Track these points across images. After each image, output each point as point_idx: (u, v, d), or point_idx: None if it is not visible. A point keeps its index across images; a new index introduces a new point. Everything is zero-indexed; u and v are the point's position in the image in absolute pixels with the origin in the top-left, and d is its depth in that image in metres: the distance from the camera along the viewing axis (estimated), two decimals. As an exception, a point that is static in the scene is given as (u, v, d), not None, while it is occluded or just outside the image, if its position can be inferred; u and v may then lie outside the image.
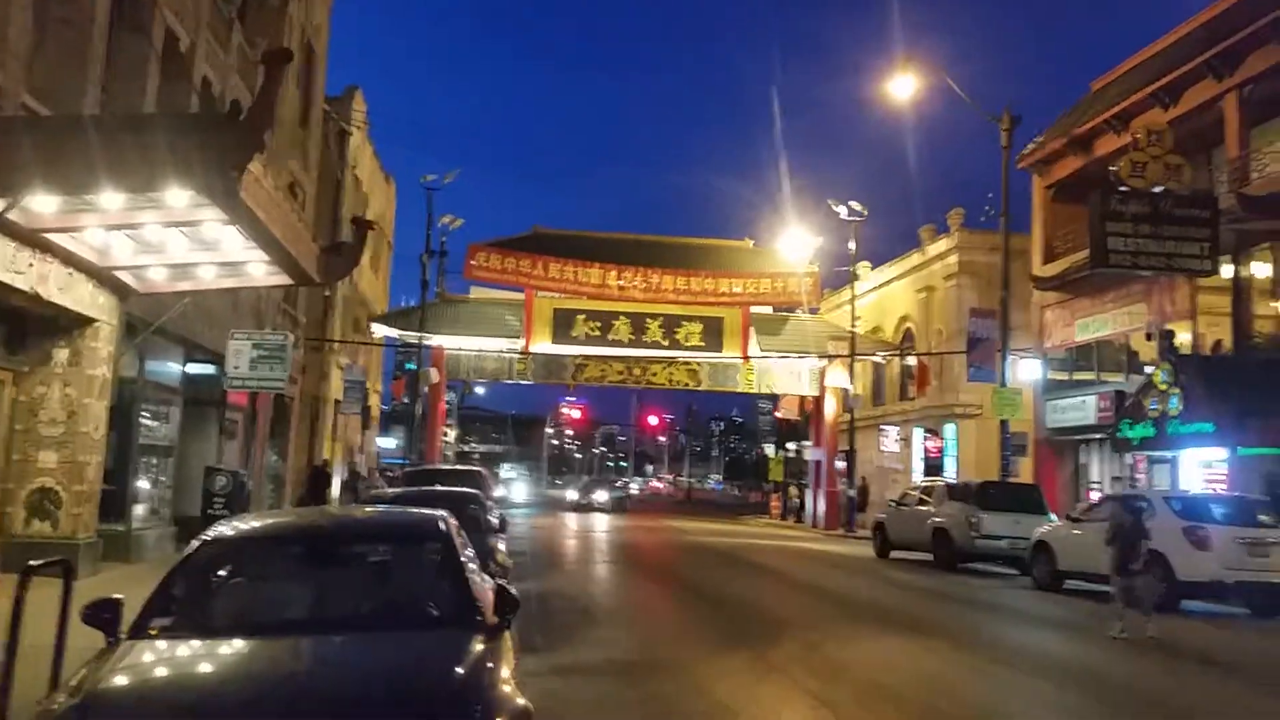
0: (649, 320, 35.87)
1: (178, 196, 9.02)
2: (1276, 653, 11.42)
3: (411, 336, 33.82)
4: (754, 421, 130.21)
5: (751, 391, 39.91)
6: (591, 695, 7.60)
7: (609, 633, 10.59)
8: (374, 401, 40.44)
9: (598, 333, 35.73)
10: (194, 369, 17.50)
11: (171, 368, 16.92)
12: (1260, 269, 21.35)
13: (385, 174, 39.23)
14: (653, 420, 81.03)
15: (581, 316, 35.65)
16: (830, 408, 37.76)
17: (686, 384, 38.29)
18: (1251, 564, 13.61)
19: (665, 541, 26.67)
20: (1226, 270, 21.49)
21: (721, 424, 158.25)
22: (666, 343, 36.13)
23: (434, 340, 34.53)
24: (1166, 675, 9.48)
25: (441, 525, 5.50)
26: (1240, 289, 21.59)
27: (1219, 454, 19.28)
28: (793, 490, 42.35)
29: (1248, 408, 17.81)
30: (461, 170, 58.59)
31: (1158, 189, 20.80)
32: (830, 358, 36.36)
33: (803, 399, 39.97)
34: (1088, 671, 9.57)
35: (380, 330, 35.83)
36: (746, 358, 36.62)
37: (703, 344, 36.17)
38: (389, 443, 49.15)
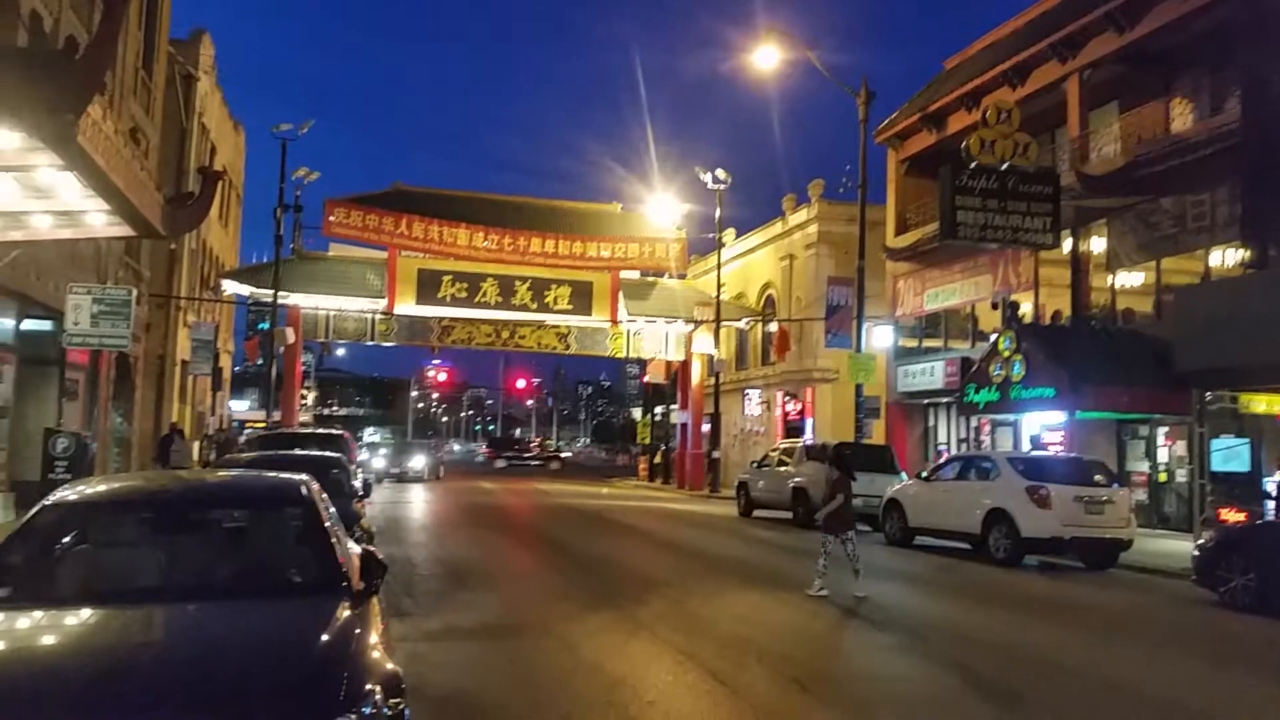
0: (517, 283, 35.52)
1: (6, 139, 8.36)
2: (1109, 601, 12.32)
3: (265, 294, 32.45)
4: (622, 385, 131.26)
5: (620, 356, 40.10)
6: (460, 658, 7.57)
7: (478, 596, 10.56)
8: (225, 362, 38.75)
9: (465, 295, 35.17)
10: (29, 325, 16.36)
11: (3, 324, 15.77)
12: (1097, 244, 22.75)
13: (235, 122, 37.36)
14: (521, 384, 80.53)
15: (448, 278, 34.99)
16: (696, 372, 38.36)
17: (555, 347, 38.19)
18: (1087, 520, 14.60)
19: (533, 505, 26.67)
20: (1067, 244, 22.83)
21: (590, 388, 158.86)
22: (535, 306, 35.88)
23: (290, 299, 33.24)
24: (1014, 626, 10.09)
25: (303, 490, 5.34)
26: (1079, 262, 22.98)
27: (1058, 417, 20.53)
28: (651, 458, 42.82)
29: (1084, 374, 19.00)
30: (316, 122, 56.11)
31: (1005, 165, 21.78)
32: (696, 323, 36.87)
33: (670, 363, 40.47)
34: (935, 622, 10.11)
35: (231, 287, 34.26)
36: (615, 322, 36.75)
37: (571, 307, 36.09)
38: (243, 405, 47.29)
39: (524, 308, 35.83)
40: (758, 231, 39.95)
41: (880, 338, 28.72)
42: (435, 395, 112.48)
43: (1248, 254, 16.73)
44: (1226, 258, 18.94)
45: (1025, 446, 21.35)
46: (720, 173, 35.61)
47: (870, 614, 10.27)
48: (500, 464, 55.15)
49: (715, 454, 35.00)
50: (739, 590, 11.37)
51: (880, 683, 7.21)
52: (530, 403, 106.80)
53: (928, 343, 28.97)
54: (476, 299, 35.26)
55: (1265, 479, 15.49)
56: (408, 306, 34.90)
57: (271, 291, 31.12)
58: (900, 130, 29.90)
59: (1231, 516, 14.99)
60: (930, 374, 27.02)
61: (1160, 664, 8.31)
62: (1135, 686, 7.31)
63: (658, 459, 43.14)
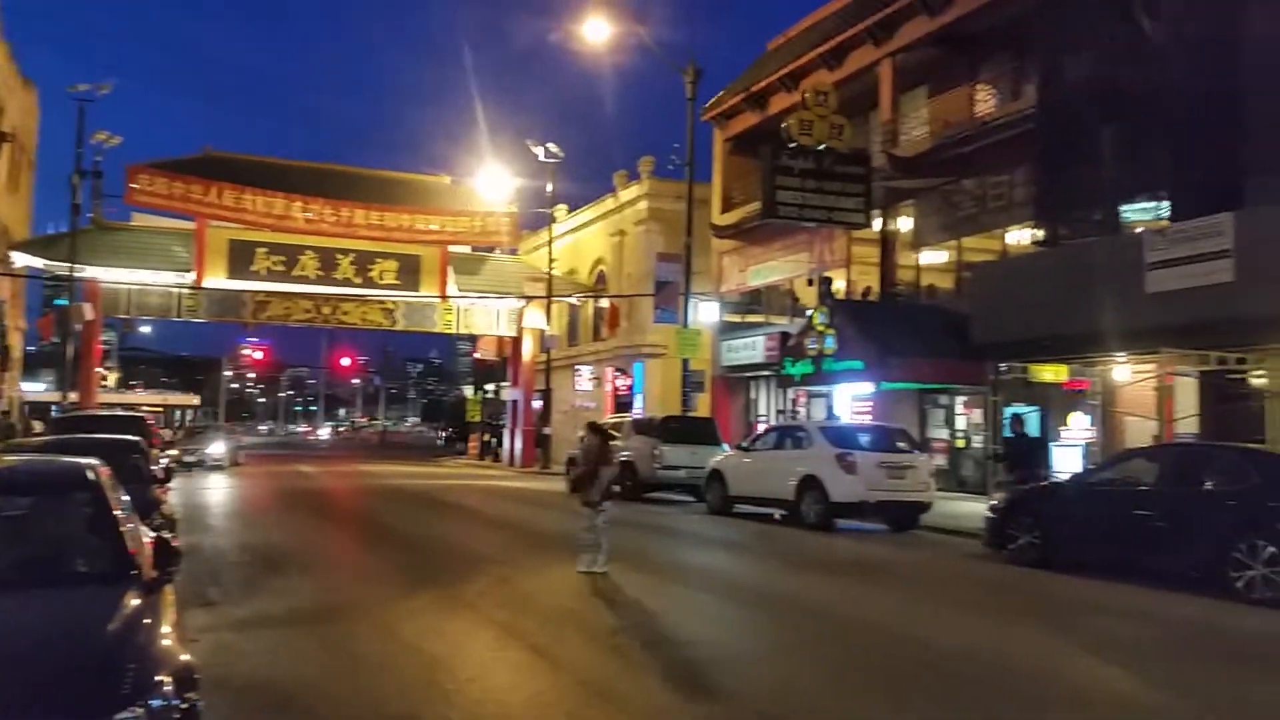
0: (339, 256, 34.30)
1: None
2: (908, 561, 13.12)
3: (61, 268, 30.09)
4: (453, 363, 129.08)
5: (450, 332, 39.45)
6: (270, 646, 7.29)
7: (293, 582, 10.19)
8: (15, 340, 35.68)
9: (281, 268, 33.66)
10: None
11: None
12: (905, 224, 24.01)
13: (24, 79, 34.30)
14: (345, 362, 77.76)
15: (262, 250, 33.38)
16: (528, 348, 38.19)
17: (381, 324, 37.15)
18: (891, 485, 15.47)
19: (357, 487, 25.96)
20: (877, 224, 24.00)
21: (420, 366, 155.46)
22: (359, 280, 34.75)
23: (88, 272, 30.93)
24: (823, 586, 10.60)
25: (89, 475, 5.03)
26: (887, 241, 24.22)
27: (867, 388, 21.62)
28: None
29: (890, 347, 20.07)
30: (123, 84, 52.57)
31: (822, 147, 22.68)
32: (528, 299, 36.68)
33: (501, 340, 40.14)
34: (752, 585, 10.52)
35: (22, 259, 31.53)
36: (444, 297, 36.04)
37: (398, 282, 35.15)
38: (38, 387, 43.77)
39: (347, 282, 34.65)
40: (590, 207, 40.05)
41: (706, 313, 29.41)
42: (252, 375, 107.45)
43: (1040, 233, 18.01)
44: (1022, 237, 20.35)
45: (838, 416, 22.39)
46: (552, 147, 35.42)
47: (691, 581, 10.58)
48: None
49: (546, 430, 35.02)
50: (565, 564, 11.43)
51: (699, 646, 7.44)
52: (356, 381, 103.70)
53: (751, 318, 29.92)
54: (294, 272, 33.82)
55: (1050, 443, 16.81)
56: (218, 280, 33.11)
57: (68, 264, 28.88)
58: (725, 109, 30.57)
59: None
60: (753, 348, 27.91)
61: (950, 617, 8.93)
62: (928, 638, 7.82)
63: (488, 436, 42.80)
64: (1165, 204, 15.65)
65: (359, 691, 6.10)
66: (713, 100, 31.33)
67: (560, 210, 39.36)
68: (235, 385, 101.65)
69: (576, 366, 38.41)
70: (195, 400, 61.48)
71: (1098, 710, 5.98)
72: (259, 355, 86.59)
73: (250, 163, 35.72)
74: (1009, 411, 17.71)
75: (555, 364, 36.59)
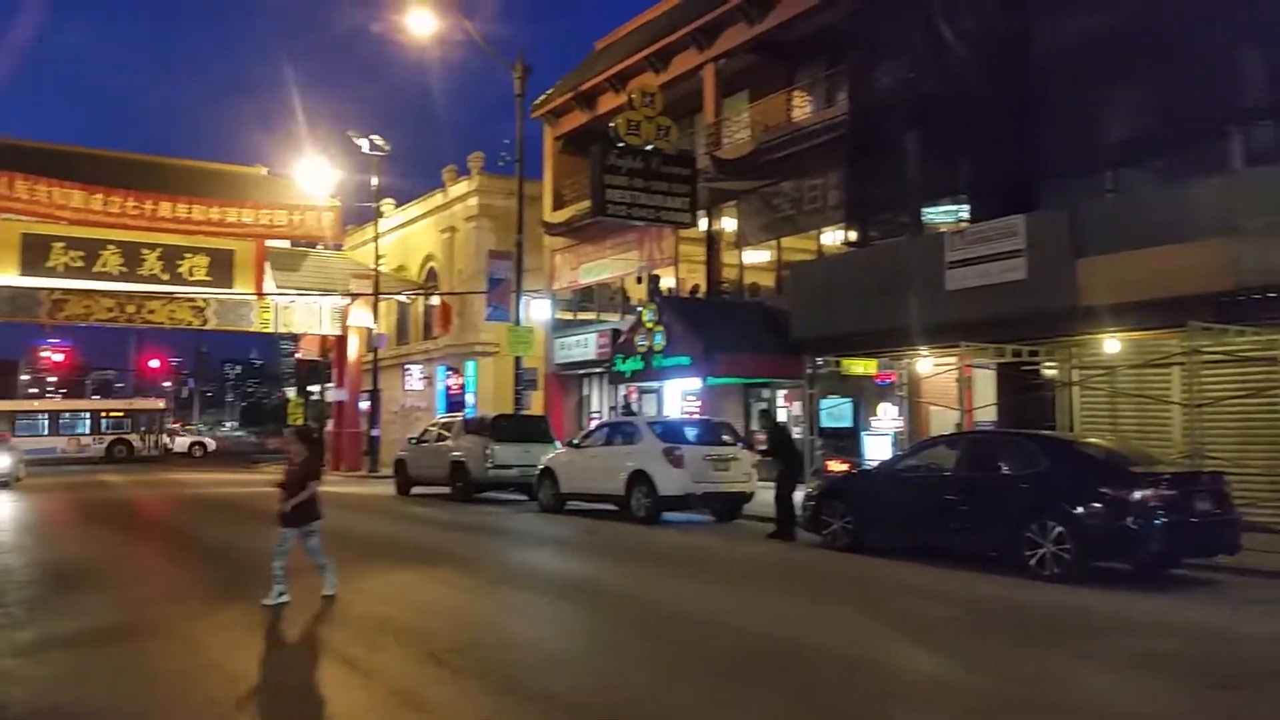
0: (145, 251, 32.15)
1: None
2: (732, 550, 13.46)
3: None
4: (275, 364, 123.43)
5: (268, 331, 37.61)
6: (56, 670, 6.75)
7: (88, 600, 9.48)
8: None
9: (81, 264, 31.28)
10: None
11: None
12: (729, 223, 24.63)
13: None
14: (154, 364, 72.96)
15: (59, 244, 30.92)
16: (354, 347, 36.95)
17: (191, 323, 35.06)
18: (715, 477, 15.84)
19: (164, 497, 24.42)
20: (704, 223, 24.53)
21: (239, 367, 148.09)
22: (167, 277, 32.67)
23: None
24: (650, 579, 10.71)
25: None
26: (712, 240, 24.79)
27: (695, 383, 22.07)
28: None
29: (716, 343, 20.54)
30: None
31: (649, 147, 23.00)
32: (353, 296, 35.50)
33: (325, 339, 38.69)
34: (580, 583, 10.52)
35: None
36: (261, 295, 34.36)
37: (210, 279, 33.25)
38: None
39: (154, 279, 32.52)
40: (418, 202, 39.15)
41: (539, 311, 29.31)
42: (53, 379, 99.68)
43: (851, 234, 18.83)
44: (836, 237, 21.22)
45: (668, 412, 22.78)
46: (377, 139, 34.37)
47: (517, 581, 10.49)
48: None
49: (375, 432, 34.02)
50: (386, 570, 11.15)
51: (521, 647, 7.37)
52: (168, 385, 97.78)
53: (583, 315, 30.02)
54: (95, 268, 31.50)
55: (862, 432, 17.65)
56: (9, 277, 30.47)
57: None
58: (555, 107, 30.53)
59: (836, 467, 16.97)
60: (585, 345, 28.02)
61: (769, 604, 9.21)
62: (747, 626, 8.02)
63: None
64: (965, 206, 16.67)
65: (151, 714, 5.73)
66: (542, 98, 31.23)
67: (388, 205, 38.28)
68: (34, 390, 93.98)
69: (406, 366, 37.51)
70: None
71: (908, 688, 6.27)
72: (59, 358, 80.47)
73: (47, 151, 33.02)
74: (758, 409, 18.47)
75: (384, 363, 35.61)
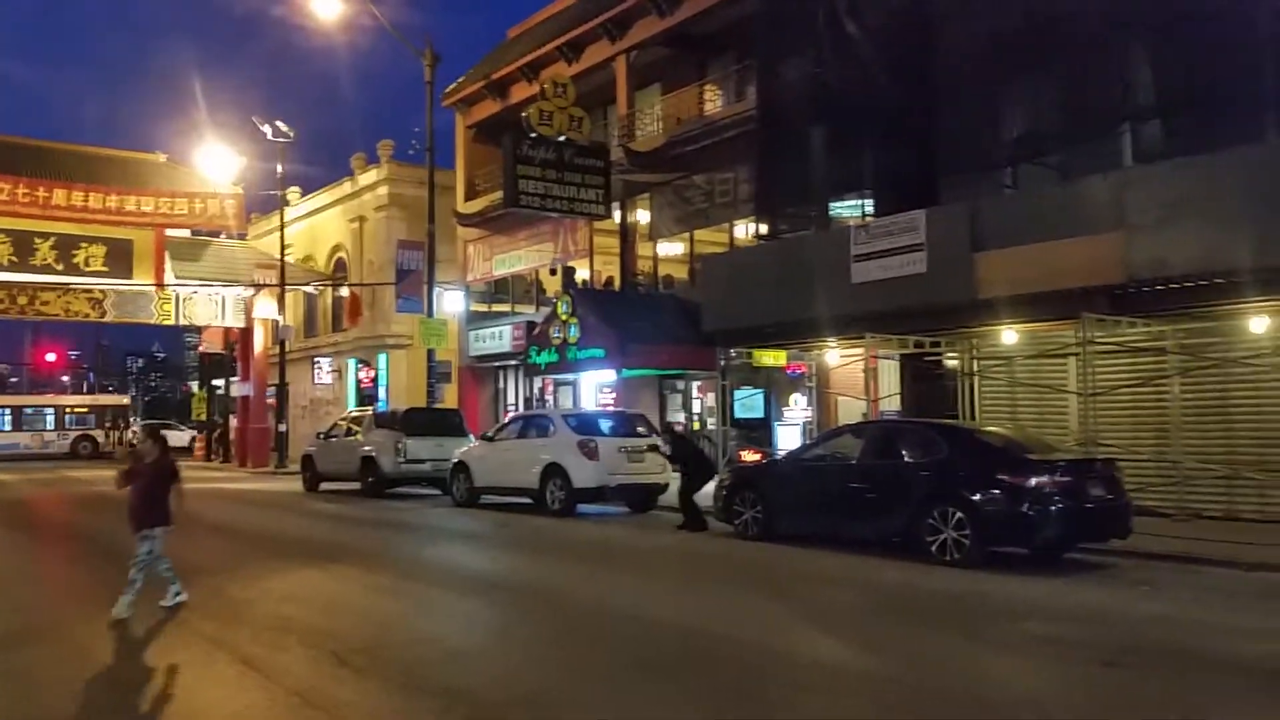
0: (37, 240, 30.74)
1: None
2: (645, 540, 13.51)
3: None
4: (179, 357, 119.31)
5: (169, 323, 36.32)
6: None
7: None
8: None
9: (-35, 254, 29.81)
10: None
11: None
12: (642, 216, 24.67)
13: None
14: (50, 357, 69.89)
15: (-58, 234, 29.42)
16: (259, 340, 35.95)
17: (88, 315, 33.63)
18: (630, 469, 15.90)
19: (60, 495, 23.47)
20: (617, 215, 24.53)
21: (141, 360, 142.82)
22: (61, 267, 31.30)
23: None
24: (564, 572, 10.68)
25: None
26: (626, 232, 24.81)
27: (610, 375, 22.08)
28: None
29: (630, 335, 20.58)
30: None
31: (562, 138, 22.89)
32: (258, 287, 34.52)
33: (229, 331, 37.54)
34: (492, 577, 10.45)
35: None
36: (162, 286, 33.19)
37: (108, 269, 31.97)
38: None
39: (47, 269, 31.13)
40: (326, 191, 38.28)
41: (452, 302, 28.95)
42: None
43: (762, 227, 19.04)
44: (747, 230, 21.45)
45: (583, 404, 22.76)
46: (282, 125, 33.44)
47: (426, 577, 10.36)
48: None
49: (282, 427, 33.18)
50: (291, 569, 10.89)
51: (425, 646, 7.28)
52: (66, 379, 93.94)
53: (497, 307, 29.77)
54: (-18, 259, 30.06)
55: (773, 423, 17.89)
56: (-113, 268, 28.88)
57: None
58: (467, 96, 30.16)
59: (749, 457, 17.18)
60: (499, 337, 27.79)
61: (681, 594, 9.28)
62: (658, 616, 8.06)
63: (217, 435, 40.00)
64: (870, 200, 17.00)
65: (34, 726, 5.50)
66: (454, 86, 30.83)
67: (294, 193, 37.37)
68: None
69: (315, 358, 36.70)
70: None
71: (812, 675, 6.37)
72: (-57, 352, 76.49)
73: (-78, 134, 31.32)
74: (668, 419, 18.70)
75: (292, 356, 34.74)
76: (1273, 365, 12.64)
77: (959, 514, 10.30)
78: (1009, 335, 14.47)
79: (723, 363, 17.82)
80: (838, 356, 17.26)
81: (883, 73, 16.17)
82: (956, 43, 15.46)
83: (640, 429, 16.90)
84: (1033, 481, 10.04)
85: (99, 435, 45.47)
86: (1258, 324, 12.27)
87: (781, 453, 16.08)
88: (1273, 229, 10.71)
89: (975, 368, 15.91)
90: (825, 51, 17.11)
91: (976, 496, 10.29)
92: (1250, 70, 11.96)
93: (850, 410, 16.99)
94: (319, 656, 6.85)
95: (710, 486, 13.86)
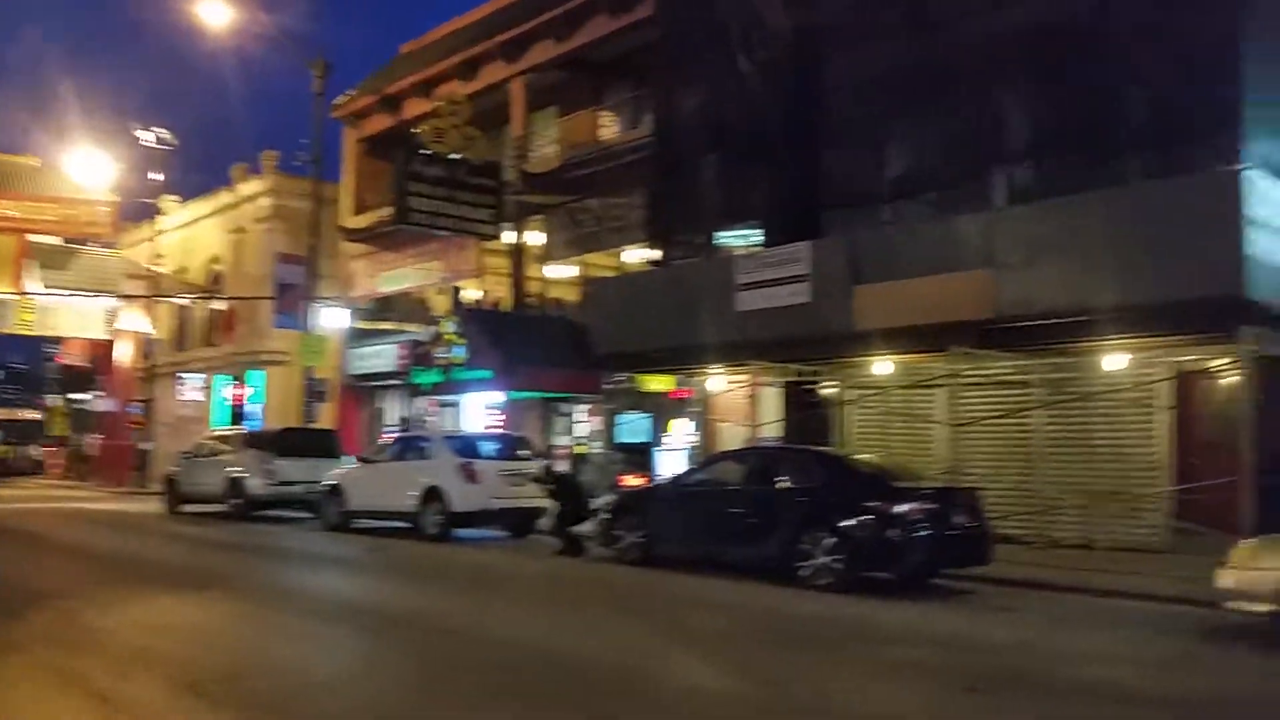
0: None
1: None
2: (524, 566, 13.37)
3: None
4: (39, 369, 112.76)
5: (30, 334, 34.45)
6: None
7: None
8: None
9: None
10: None
11: None
12: (534, 237, 24.59)
13: None
14: (-106, 366, 65.26)
15: None
16: (126, 353, 34.35)
17: (-64, 322, 31.66)
18: (511, 492, 15.69)
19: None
20: (509, 236, 24.38)
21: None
22: (-90, 270, 29.37)
23: None
24: (437, 598, 10.44)
25: None
26: (518, 253, 24.67)
27: (497, 397, 21.85)
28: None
29: (519, 357, 20.46)
30: None
31: (455, 156, 22.68)
32: (128, 298, 33.01)
33: (94, 343, 35.76)
34: (361, 604, 10.14)
35: None
36: (23, 293, 31.41)
37: (-39, 274, 30.15)
38: None
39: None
40: (204, 200, 36.84)
41: (334, 319, 28.19)
42: None
43: (652, 253, 19.21)
44: (639, 255, 21.58)
45: (468, 426, 22.46)
46: (164, 133, 32.22)
47: (293, 604, 9.99)
48: None
49: (147, 445, 31.68)
50: (150, 595, 10.33)
51: (287, 675, 7.00)
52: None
53: (382, 325, 29.13)
54: None
55: (657, 448, 17.99)
56: None
57: None
58: (358, 109, 29.61)
59: (632, 481, 17.21)
60: (382, 356, 27.19)
61: (556, 619, 9.17)
62: (531, 642, 7.93)
63: (75, 452, 38.00)
64: (758, 231, 17.34)
65: None
66: (344, 98, 30.22)
67: (170, 202, 35.92)
68: None
69: (185, 374, 35.17)
70: None
71: (679, 698, 6.37)
72: None
73: None
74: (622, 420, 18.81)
75: (160, 371, 33.28)
76: (1129, 400, 13.36)
77: (831, 539, 10.50)
78: (884, 366, 14.91)
79: (609, 387, 17.84)
80: (723, 383, 17.48)
81: (773, 107, 16.56)
82: (842, 81, 15.96)
83: (523, 451, 16.76)
84: (900, 508, 10.33)
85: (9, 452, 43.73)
86: (1116, 360, 12.94)
87: (664, 478, 16.15)
88: (1131, 270, 11.31)
89: (851, 396, 16.33)
90: (718, 83, 17.43)
91: (847, 523, 10.51)
92: (1114, 117, 12.68)
93: (733, 436, 17.21)
94: (175, 687, 6.51)
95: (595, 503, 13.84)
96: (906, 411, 15.55)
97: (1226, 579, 8.16)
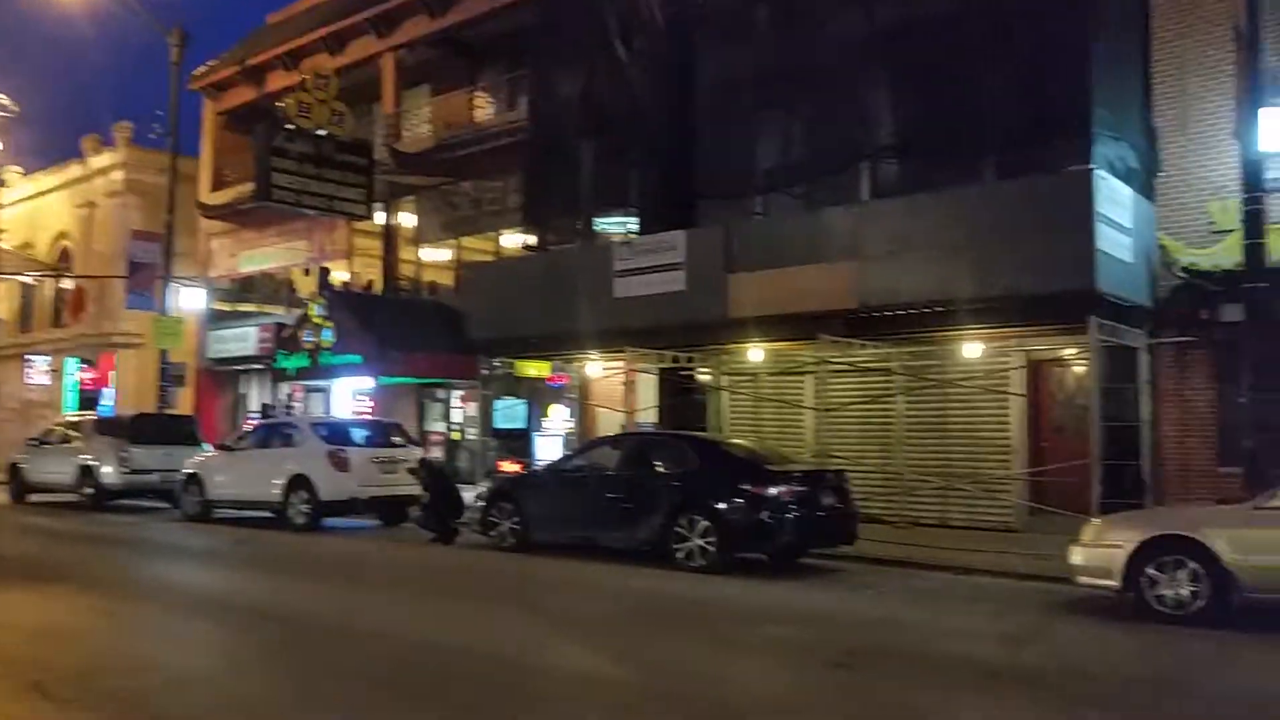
0: None
1: None
2: (396, 555, 13.11)
3: None
4: None
5: None
6: None
7: None
8: None
9: None
10: None
11: None
12: (407, 218, 24.04)
13: None
14: None
15: None
16: (-39, 333, 32.04)
17: None
18: (382, 480, 15.36)
19: None
20: (380, 217, 23.77)
21: None
22: None
23: None
24: (305, 590, 10.13)
25: None
26: (390, 235, 24.10)
27: (367, 382, 21.30)
28: None
29: (390, 341, 19.98)
30: None
31: (323, 132, 21.92)
32: (-38, 274, 30.74)
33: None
34: (222, 597, 9.77)
35: None
36: None
37: None
38: None
39: None
40: (51, 172, 34.61)
41: (191, 300, 26.95)
42: None
43: (529, 238, 19.04)
44: (515, 240, 21.35)
45: (337, 412, 21.84)
46: (4, 99, 30.03)
47: (150, 598, 9.54)
48: None
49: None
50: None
51: (143, 674, 6.66)
52: None
53: (243, 307, 28.03)
54: None
55: (534, 434, 17.91)
56: None
57: None
58: (219, 80, 28.30)
59: (509, 468, 17.08)
60: (244, 340, 26.16)
61: (430, 608, 9.05)
62: (403, 633, 7.79)
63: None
64: (635, 218, 17.42)
65: None
66: (205, 69, 28.83)
67: (13, 173, 33.58)
68: None
69: (29, 356, 33.00)
70: None
71: (555, 685, 6.38)
72: None
73: None
74: (499, 405, 18.64)
75: (4, 353, 31.17)
76: (983, 387, 14.04)
77: (705, 522, 10.71)
78: (756, 353, 15.24)
79: (485, 372, 17.64)
80: (600, 369, 17.52)
81: (649, 95, 16.61)
82: (717, 73, 16.15)
83: (396, 438, 16.42)
84: (771, 491, 10.61)
85: None
86: (972, 349, 13.57)
87: (541, 464, 16.10)
88: (989, 263, 11.86)
89: (725, 383, 16.63)
90: (596, 70, 17.37)
91: (721, 505, 10.73)
92: (974, 117, 13.25)
93: (610, 422, 17.27)
94: (19, 688, 6.13)
95: (467, 495, 13.68)
96: (778, 397, 15.94)
97: (1076, 556, 8.70)
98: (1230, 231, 11.64)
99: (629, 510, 11.43)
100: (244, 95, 27.60)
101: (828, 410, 13.84)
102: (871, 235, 13.05)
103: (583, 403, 18.60)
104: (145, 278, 25.91)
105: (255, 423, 21.85)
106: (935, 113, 13.76)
